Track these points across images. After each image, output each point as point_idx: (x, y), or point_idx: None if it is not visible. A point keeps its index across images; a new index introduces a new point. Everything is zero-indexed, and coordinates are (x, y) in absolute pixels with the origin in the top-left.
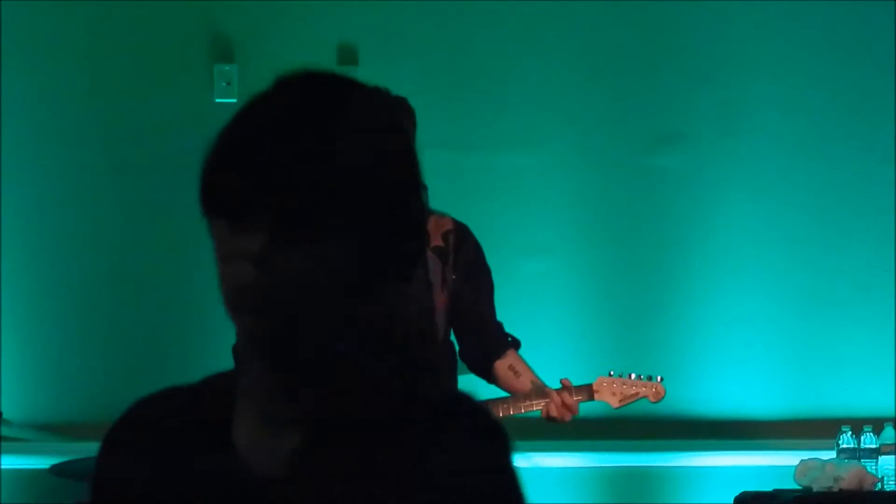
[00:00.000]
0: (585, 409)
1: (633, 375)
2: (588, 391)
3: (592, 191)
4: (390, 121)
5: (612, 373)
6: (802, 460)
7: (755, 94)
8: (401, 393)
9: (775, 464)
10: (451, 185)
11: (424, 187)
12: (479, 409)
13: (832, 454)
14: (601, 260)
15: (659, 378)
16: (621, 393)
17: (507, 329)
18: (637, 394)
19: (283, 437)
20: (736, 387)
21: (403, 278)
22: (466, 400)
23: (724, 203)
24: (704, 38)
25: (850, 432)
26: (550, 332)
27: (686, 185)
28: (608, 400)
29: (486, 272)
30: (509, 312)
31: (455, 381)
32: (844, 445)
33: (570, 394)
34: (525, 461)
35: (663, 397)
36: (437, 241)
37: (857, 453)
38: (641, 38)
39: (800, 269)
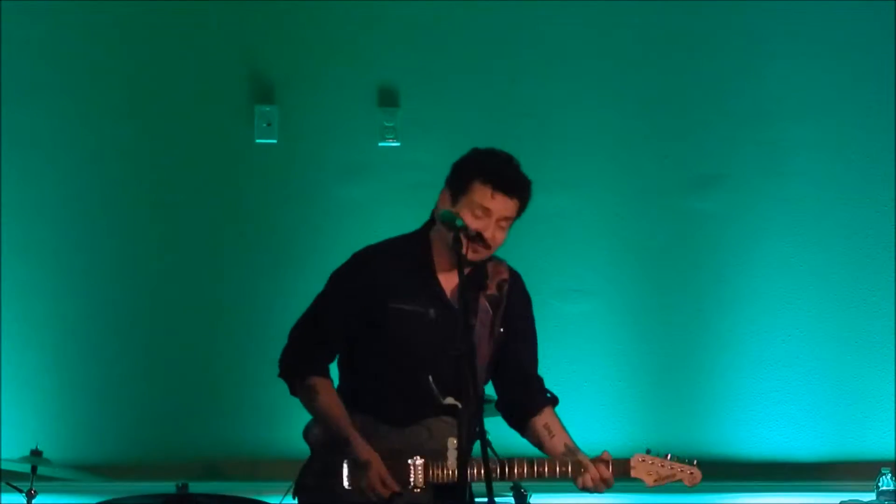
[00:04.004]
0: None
1: (669, 456)
2: (624, 467)
3: (633, 233)
4: None
5: (649, 451)
6: (842, 502)
7: (796, 137)
8: None
9: None
10: None
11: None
12: None
13: (872, 496)
14: (642, 302)
15: (695, 462)
16: (657, 473)
17: (548, 370)
18: (673, 475)
19: None
20: (774, 428)
21: None
22: None
23: (764, 245)
24: (745, 82)
25: (889, 474)
26: (590, 373)
27: (726, 227)
28: (643, 478)
29: (532, 325)
30: (549, 353)
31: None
32: (884, 487)
33: (608, 467)
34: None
35: (699, 482)
36: (492, 289)
37: None
38: (682, 83)
39: (840, 310)
